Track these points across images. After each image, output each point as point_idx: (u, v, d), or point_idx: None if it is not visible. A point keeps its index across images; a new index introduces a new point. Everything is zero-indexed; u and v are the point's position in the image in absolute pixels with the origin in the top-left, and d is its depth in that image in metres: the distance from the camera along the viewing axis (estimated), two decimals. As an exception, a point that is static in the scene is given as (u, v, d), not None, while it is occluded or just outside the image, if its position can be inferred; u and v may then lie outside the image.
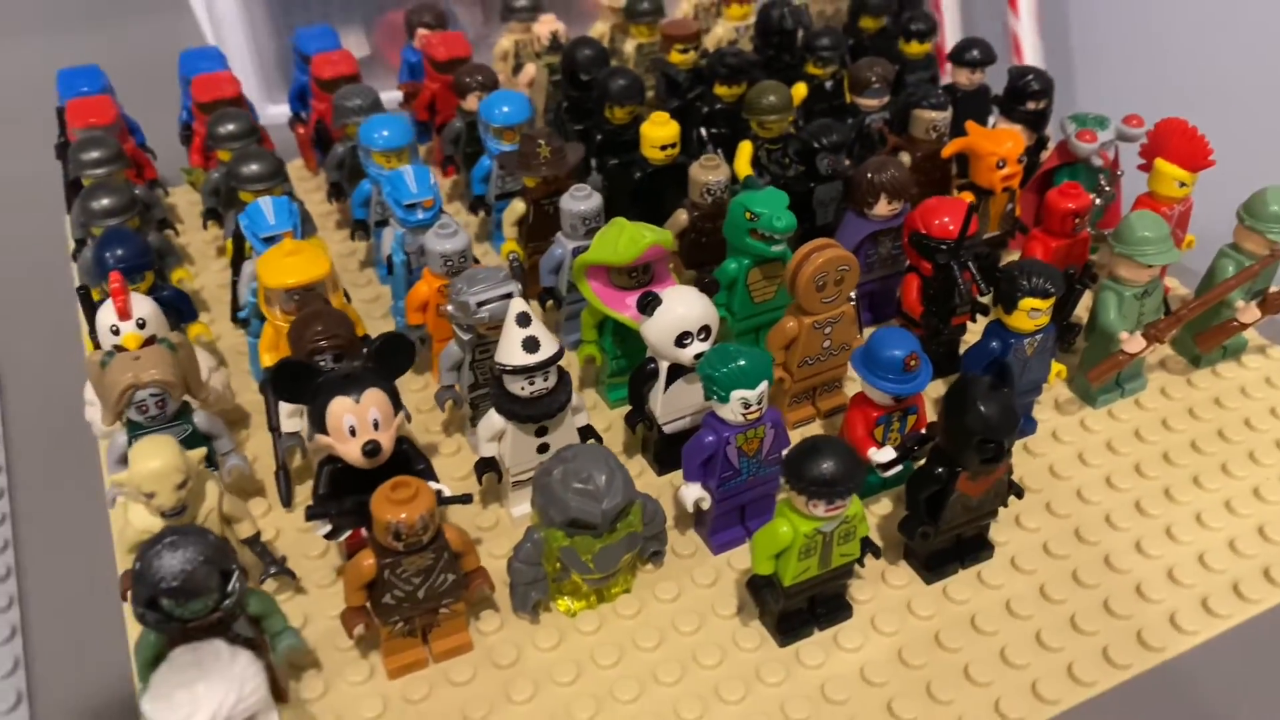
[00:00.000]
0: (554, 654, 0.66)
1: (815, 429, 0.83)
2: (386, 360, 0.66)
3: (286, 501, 0.75)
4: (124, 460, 0.68)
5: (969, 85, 1.05)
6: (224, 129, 0.92)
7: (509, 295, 0.72)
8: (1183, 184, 0.85)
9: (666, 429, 0.76)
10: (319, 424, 0.63)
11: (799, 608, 0.66)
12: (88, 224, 0.84)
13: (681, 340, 0.71)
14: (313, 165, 1.12)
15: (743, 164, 0.97)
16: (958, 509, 0.67)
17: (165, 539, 0.54)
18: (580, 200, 0.83)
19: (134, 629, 0.67)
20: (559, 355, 0.68)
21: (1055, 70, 1.51)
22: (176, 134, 1.09)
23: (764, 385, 0.66)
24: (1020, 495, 0.71)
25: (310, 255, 0.75)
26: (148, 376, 0.65)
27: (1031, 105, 1.00)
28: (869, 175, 0.85)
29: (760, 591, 0.64)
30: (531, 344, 0.67)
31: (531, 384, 0.68)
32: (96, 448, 0.81)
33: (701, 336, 0.71)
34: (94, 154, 0.88)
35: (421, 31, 1.10)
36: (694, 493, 0.69)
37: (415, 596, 0.62)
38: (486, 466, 0.72)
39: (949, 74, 1.06)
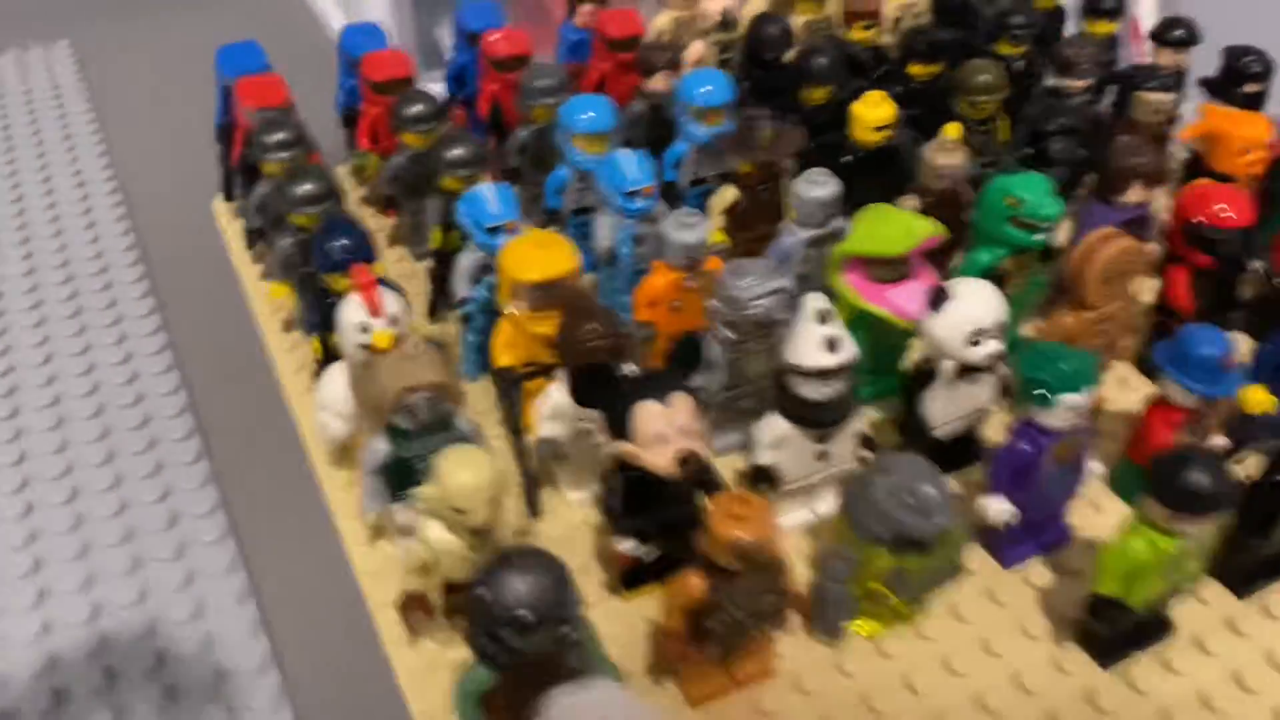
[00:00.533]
0: (864, 680, 0.61)
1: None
2: (679, 362, 0.60)
3: (534, 511, 0.69)
4: (381, 470, 0.62)
5: (1172, 67, 1.00)
6: (412, 110, 0.86)
7: (783, 290, 0.67)
8: None
9: (938, 433, 0.71)
10: (624, 431, 0.57)
11: (1125, 628, 0.61)
12: (284, 212, 0.78)
13: (975, 339, 0.66)
14: (470, 148, 1.06)
15: (949, 148, 0.92)
16: (1294, 520, 0.62)
17: (509, 563, 0.49)
18: (819, 185, 0.77)
19: (395, 649, 0.62)
20: (857, 357, 0.63)
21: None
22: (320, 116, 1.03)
23: (1092, 389, 0.61)
24: (1345, 505, 0.66)
25: (560, 247, 0.69)
26: (424, 378, 0.59)
27: (1251, 88, 0.94)
28: (1121, 160, 0.79)
29: (1103, 613, 0.59)
30: (832, 343, 0.62)
31: (827, 386, 0.63)
32: (301, 449, 0.75)
33: (996, 335, 0.66)
34: (279, 135, 0.82)
35: (586, 8, 1.04)
36: (1002, 507, 0.64)
37: (739, 619, 0.56)
38: (762, 475, 0.67)
39: (1149, 54, 1.01)
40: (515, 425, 0.70)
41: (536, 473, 0.70)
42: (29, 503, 0.78)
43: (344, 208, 0.79)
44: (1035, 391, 0.61)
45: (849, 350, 0.62)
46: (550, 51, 1.13)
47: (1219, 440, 0.67)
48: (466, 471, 0.53)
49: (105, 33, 1.38)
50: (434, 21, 1.18)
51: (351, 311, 0.65)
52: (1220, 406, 0.67)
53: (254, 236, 0.87)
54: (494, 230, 0.74)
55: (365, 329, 0.64)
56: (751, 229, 0.87)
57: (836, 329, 0.62)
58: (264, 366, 0.83)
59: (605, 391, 0.58)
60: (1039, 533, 0.68)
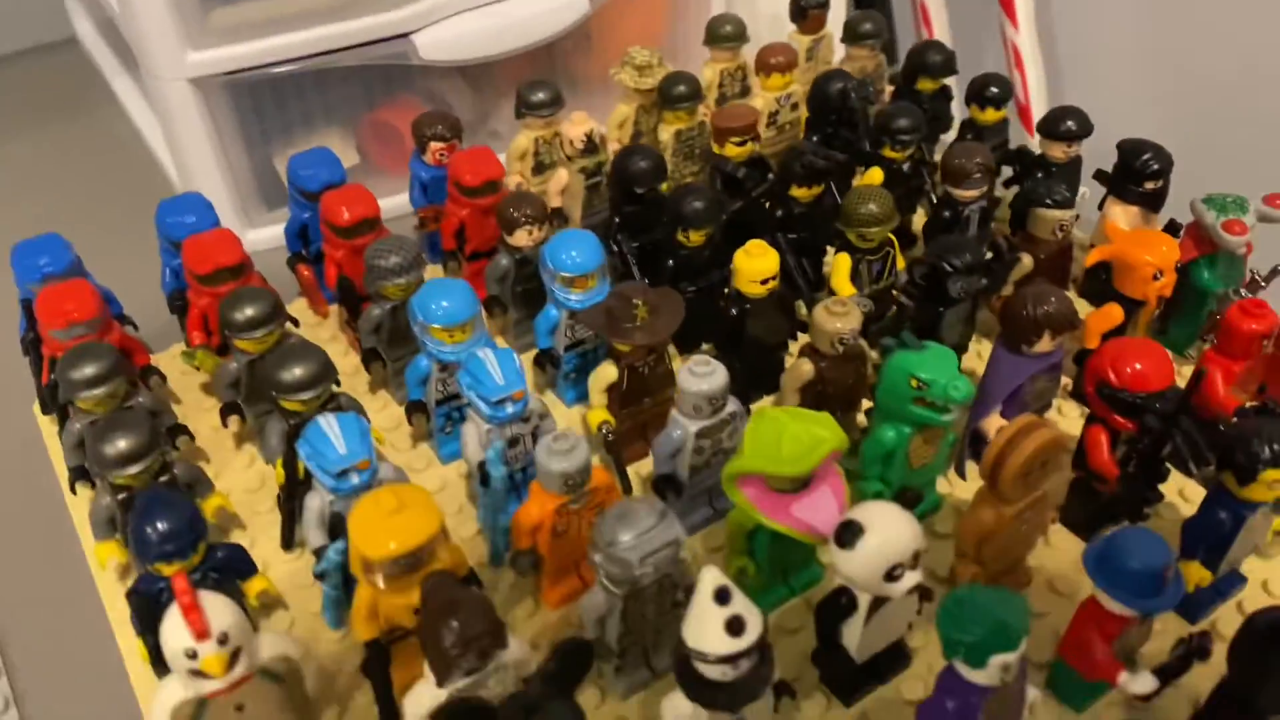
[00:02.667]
0: None
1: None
2: (564, 676, 0.52)
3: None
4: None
5: (1063, 158, 0.94)
6: (243, 314, 0.75)
7: (676, 542, 0.59)
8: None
9: (860, 659, 0.64)
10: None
11: None
12: (103, 472, 0.68)
13: (892, 573, 0.59)
14: (323, 308, 0.96)
15: (841, 280, 0.85)
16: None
17: None
18: (703, 377, 0.70)
19: None
20: (765, 630, 0.55)
21: (1061, 83, 1.43)
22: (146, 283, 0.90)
23: (1025, 641, 0.54)
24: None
25: (417, 508, 0.60)
26: (261, 734, 0.51)
27: (1150, 186, 0.89)
28: (1027, 308, 0.73)
29: None
30: (736, 625, 0.54)
31: (735, 669, 0.55)
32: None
33: (913, 564, 0.59)
34: (89, 370, 0.71)
35: (436, 145, 0.95)
36: (938, 766, 0.57)
37: None
38: (669, 760, 0.59)
39: (1038, 145, 0.96)
40: (387, 712, 0.61)
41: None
42: None
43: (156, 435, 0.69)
44: (958, 651, 0.54)
45: (755, 629, 0.54)
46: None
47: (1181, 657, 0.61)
48: None
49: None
50: (270, 150, 1.07)
51: (172, 633, 0.55)
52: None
53: (75, 475, 0.76)
54: (343, 474, 0.65)
55: (193, 654, 0.55)
56: (637, 403, 0.79)
57: (739, 606, 0.54)
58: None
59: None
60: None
